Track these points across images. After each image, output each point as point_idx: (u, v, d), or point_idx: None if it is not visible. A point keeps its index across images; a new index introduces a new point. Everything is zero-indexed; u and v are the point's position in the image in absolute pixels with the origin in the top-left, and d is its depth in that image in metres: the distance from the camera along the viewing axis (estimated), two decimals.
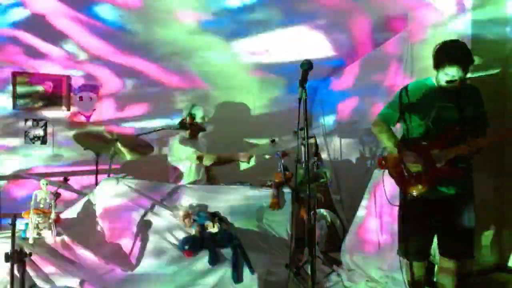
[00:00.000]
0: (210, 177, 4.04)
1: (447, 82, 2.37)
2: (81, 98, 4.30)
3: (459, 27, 3.38)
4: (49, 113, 4.20)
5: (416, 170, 2.43)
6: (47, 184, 2.75)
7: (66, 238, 2.68)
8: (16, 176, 4.02)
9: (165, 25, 3.75)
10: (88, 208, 3.05)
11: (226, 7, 3.53)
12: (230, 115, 4.85)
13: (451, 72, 2.33)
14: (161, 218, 2.97)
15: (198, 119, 3.88)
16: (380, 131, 2.67)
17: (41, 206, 2.67)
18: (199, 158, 3.73)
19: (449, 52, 2.37)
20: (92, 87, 4.34)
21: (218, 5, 3.51)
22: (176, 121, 3.97)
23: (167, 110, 4.62)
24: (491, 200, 3.52)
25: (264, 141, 3.77)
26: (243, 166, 4.57)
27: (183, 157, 3.76)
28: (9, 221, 2.08)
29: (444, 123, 2.45)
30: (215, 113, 4.71)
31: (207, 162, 3.74)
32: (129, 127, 4.42)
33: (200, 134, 4.05)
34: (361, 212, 3.65)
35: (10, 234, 2.10)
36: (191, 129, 3.89)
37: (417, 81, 2.67)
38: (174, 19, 3.66)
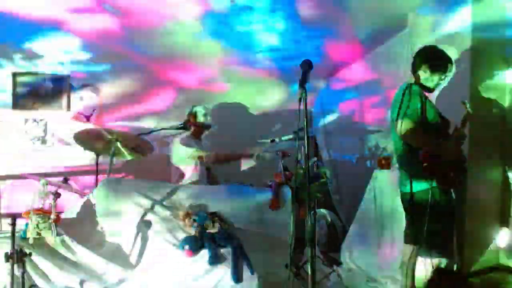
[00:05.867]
0: (211, 177, 4.05)
1: (442, 79, 2.59)
2: (81, 98, 4.30)
3: (459, 27, 3.39)
4: (49, 113, 4.19)
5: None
6: (47, 184, 2.75)
7: (66, 238, 2.68)
8: (16, 176, 4.02)
9: (166, 25, 3.76)
10: (88, 208, 3.05)
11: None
12: (231, 115, 4.85)
13: (450, 71, 2.59)
14: (161, 218, 2.97)
15: (200, 118, 3.89)
16: (420, 134, 2.49)
17: (41, 206, 2.67)
18: (200, 158, 3.73)
19: (444, 54, 2.60)
20: (92, 87, 4.34)
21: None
22: (176, 121, 3.97)
23: (167, 110, 4.62)
24: (491, 200, 3.52)
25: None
26: (245, 165, 4.57)
27: (185, 156, 3.76)
28: (9, 221, 2.08)
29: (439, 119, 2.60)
30: (217, 113, 4.70)
31: (207, 160, 3.75)
32: (129, 127, 4.42)
33: (203, 135, 4.05)
34: (361, 211, 3.66)
35: (10, 234, 2.10)
36: (194, 129, 3.90)
37: (405, 84, 2.63)
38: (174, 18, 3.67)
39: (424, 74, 2.58)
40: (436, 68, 2.56)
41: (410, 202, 2.59)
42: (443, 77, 2.59)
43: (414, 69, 2.63)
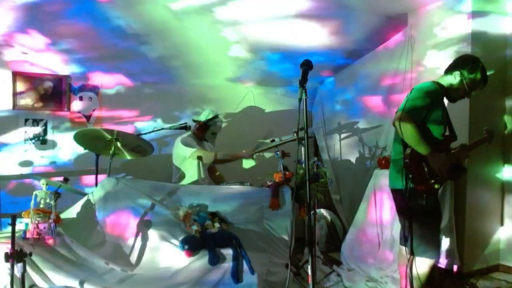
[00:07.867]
0: (216, 177, 4.07)
1: (468, 91, 2.54)
2: (81, 98, 4.30)
3: (459, 26, 3.39)
4: (49, 113, 4.19)
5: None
6: (47, 184, 2.75)
7: (66, 238, 2.68)
8: (16, 176, 4.02)
9: (166, 25, 3.76)
10: (88, 208, 3.05)
11: None
12: (232, 115, 4.85)
13: (480, 88, 2.55)
14: (161, 218, 2.97)
15: (215, 130, 3.98)
16: (413, 129, 2.36)
17: (41, 206, 2.67)
18: (200, 158, 3.73)
19: (483, 71, 2.53)
20: (92, 87, 4.34)
21: None
22: (177, 121, 3.97)
23: (167, 110, 4.62)
24: (491, 200, 3.53)
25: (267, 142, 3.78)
26: (247, 164, 4.57)
27: (186, 156, 3.75)
28: (9, 221, 2.08)
29: (447, 124, 2.57)
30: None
31: (206, 160, 3.74)
32: (129, 127, 4.42)
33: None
34: (360, 211, 3.66)
35: (10, 234, 2.09)
36: (197, 129, 3.91)
37: (426, 83, 2.61)
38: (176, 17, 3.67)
39: (453, 80, 2.54)
40: (467, 76, 2.51)
41: (395, 201, 2.62)
42: (468, 89, 2.52)
43: (446, 72, 2.59)
